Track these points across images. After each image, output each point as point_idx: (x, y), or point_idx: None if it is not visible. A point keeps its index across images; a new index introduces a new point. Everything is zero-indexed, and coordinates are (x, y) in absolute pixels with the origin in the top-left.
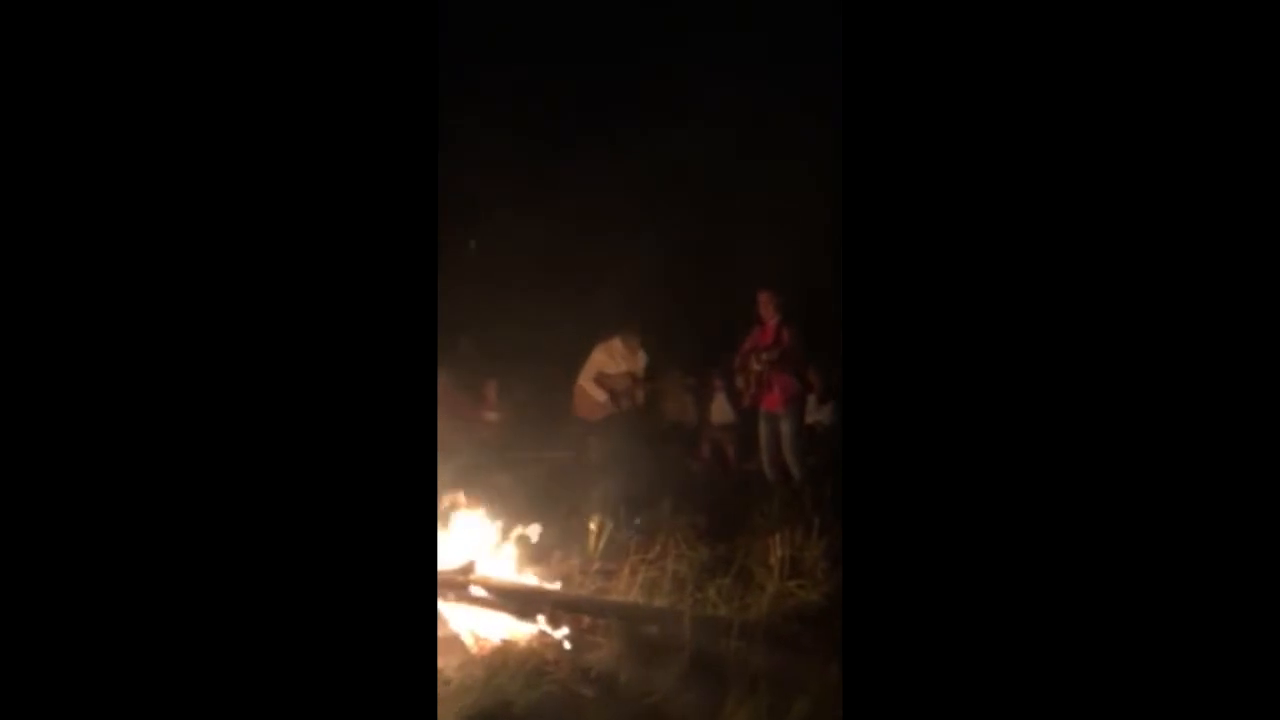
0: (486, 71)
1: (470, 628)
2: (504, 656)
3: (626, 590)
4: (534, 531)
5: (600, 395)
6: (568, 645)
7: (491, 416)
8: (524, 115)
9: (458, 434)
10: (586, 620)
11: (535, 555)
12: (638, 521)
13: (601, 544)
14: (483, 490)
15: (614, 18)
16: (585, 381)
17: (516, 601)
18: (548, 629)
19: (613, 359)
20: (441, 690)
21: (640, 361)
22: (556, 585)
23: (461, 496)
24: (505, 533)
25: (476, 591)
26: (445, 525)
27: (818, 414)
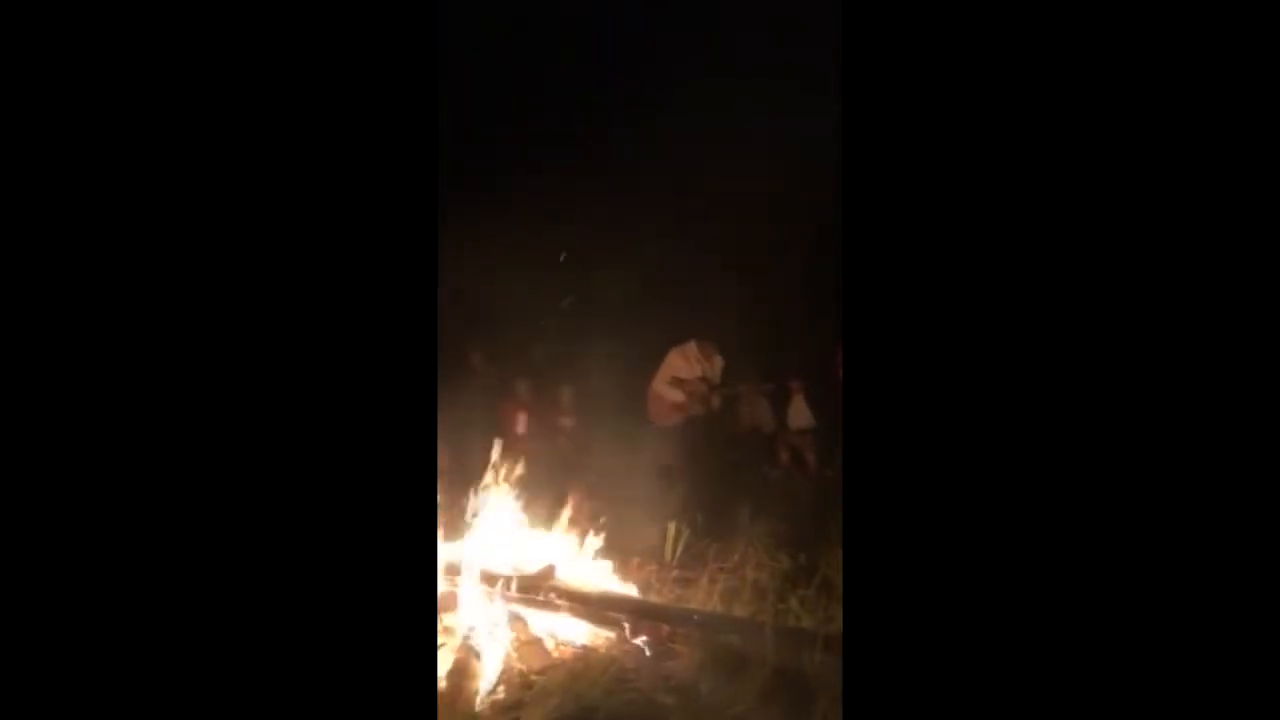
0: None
1: (551, 631)
2: (585, 662)
3: (705, 599)
4: (610, 537)
5: (675, 399)
6: (648, 653)
7: (567, 422)
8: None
9: (535, 440)
10: (666, 628)
11: (614, 561)
12: None
13: (679, 550)
14: (560, 495)
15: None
16: (659, 385)
17: (595, 607)
18: (627, 636)
19: (688, 363)
20: (525, 694)
21: (717, 366)
22: (634, 592)
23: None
24: (582, 538)
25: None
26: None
27: None
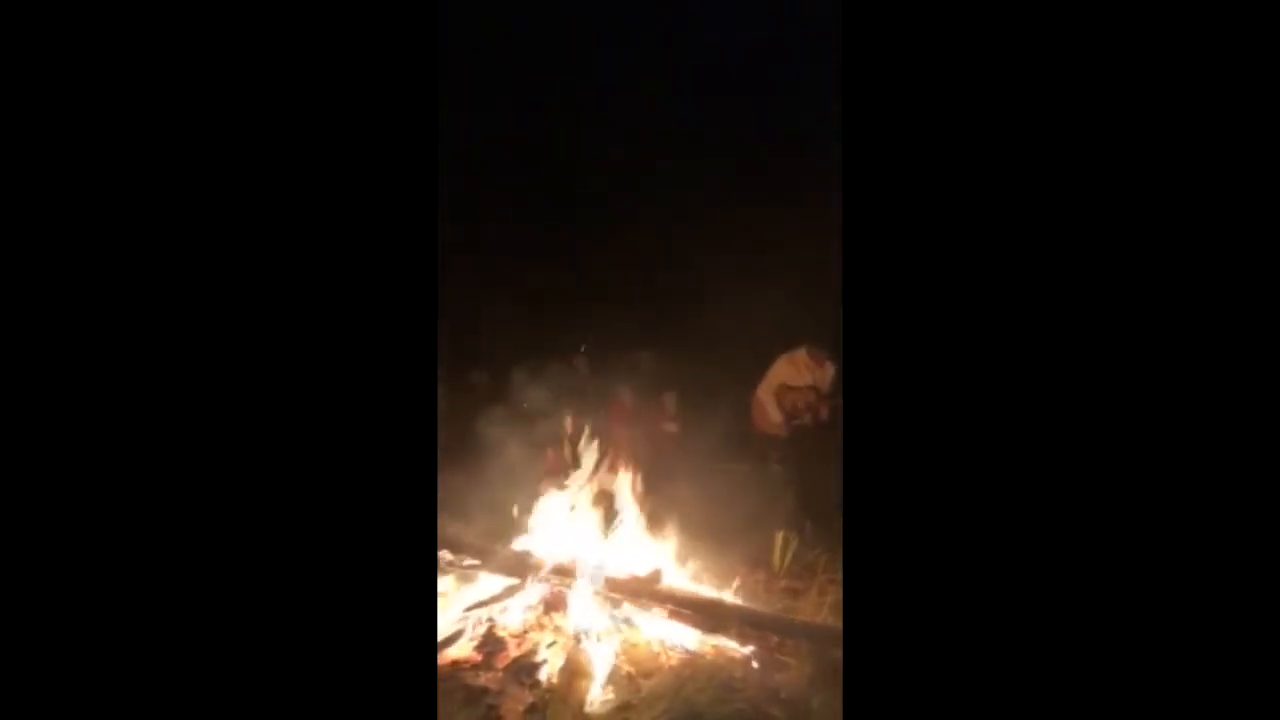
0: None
1: (658, 635)
2: (692, 669)
3: (815, 611)
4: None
5: (782, 407)
6: (756, 664)
7: (671, 427)
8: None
9: (640, 445)
10: (775, 639)
11: (721, 569)
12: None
13: (787, 560)
14: (665, 501)
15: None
16: (764, 394)
17: (703, 614)
18: (735, 645)
19: (797, 370)
20: (632, 696)
21: (827, 373)
22: (743, 601)
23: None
24: (690, 544)
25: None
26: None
27: None
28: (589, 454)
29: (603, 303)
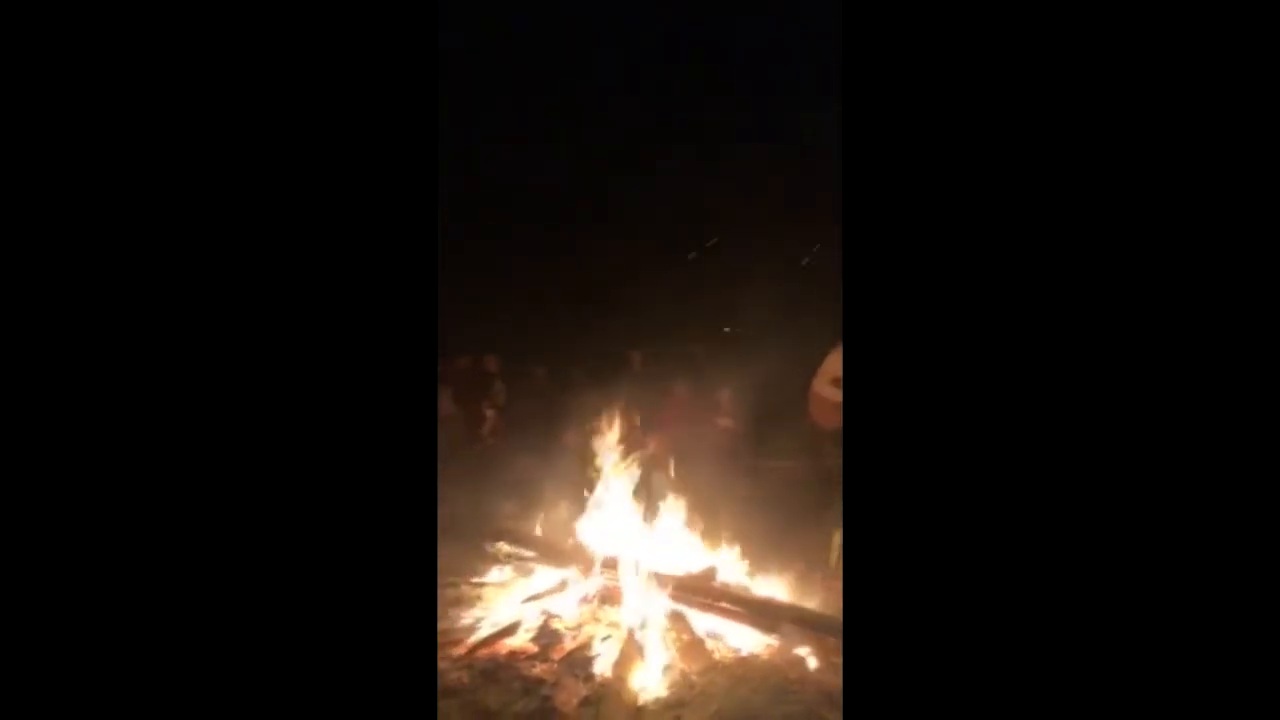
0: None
1: (712, 633)
2: (746, 668)
3: None
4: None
5: (837, 400)
6: (811, 665)
7: (726, 423)
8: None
9: (695, 441)
10: (831, 640)
11: (776, 566)
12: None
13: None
14: (719, 498)
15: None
16: (820, 386)
17: (757, 613)
18: (790, 645)
19: None
20: (685, 693)
21: None
22: (798, 600)
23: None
24: (745, 542)
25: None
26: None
27: None
28: (642, 450)
29: (647, 302)
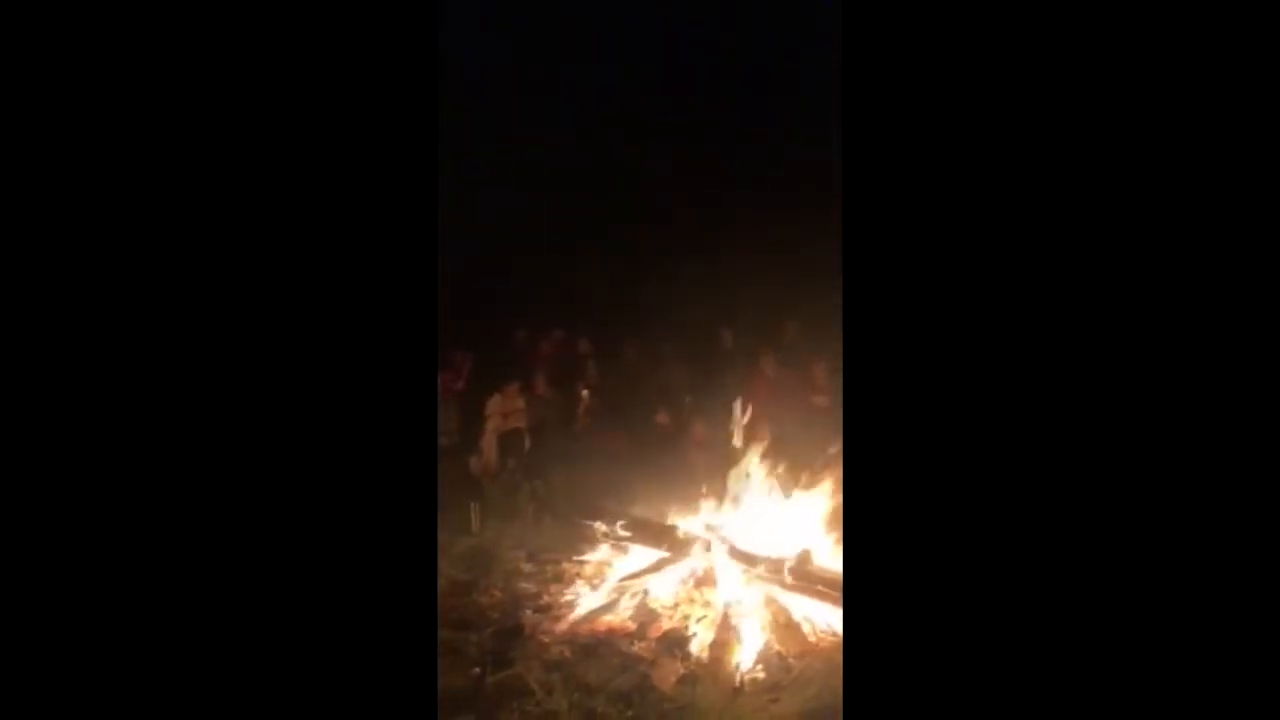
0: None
1: (808, 616)
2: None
3: None
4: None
5: None
6: None
7: (820, 400)
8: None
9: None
10: None
11: None
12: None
13: None
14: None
15: None
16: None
17: None
18: None
19: None
20: (783, 677)
21: None
22: None
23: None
24: (839, 524)
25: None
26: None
27: None
28: (738, 428)
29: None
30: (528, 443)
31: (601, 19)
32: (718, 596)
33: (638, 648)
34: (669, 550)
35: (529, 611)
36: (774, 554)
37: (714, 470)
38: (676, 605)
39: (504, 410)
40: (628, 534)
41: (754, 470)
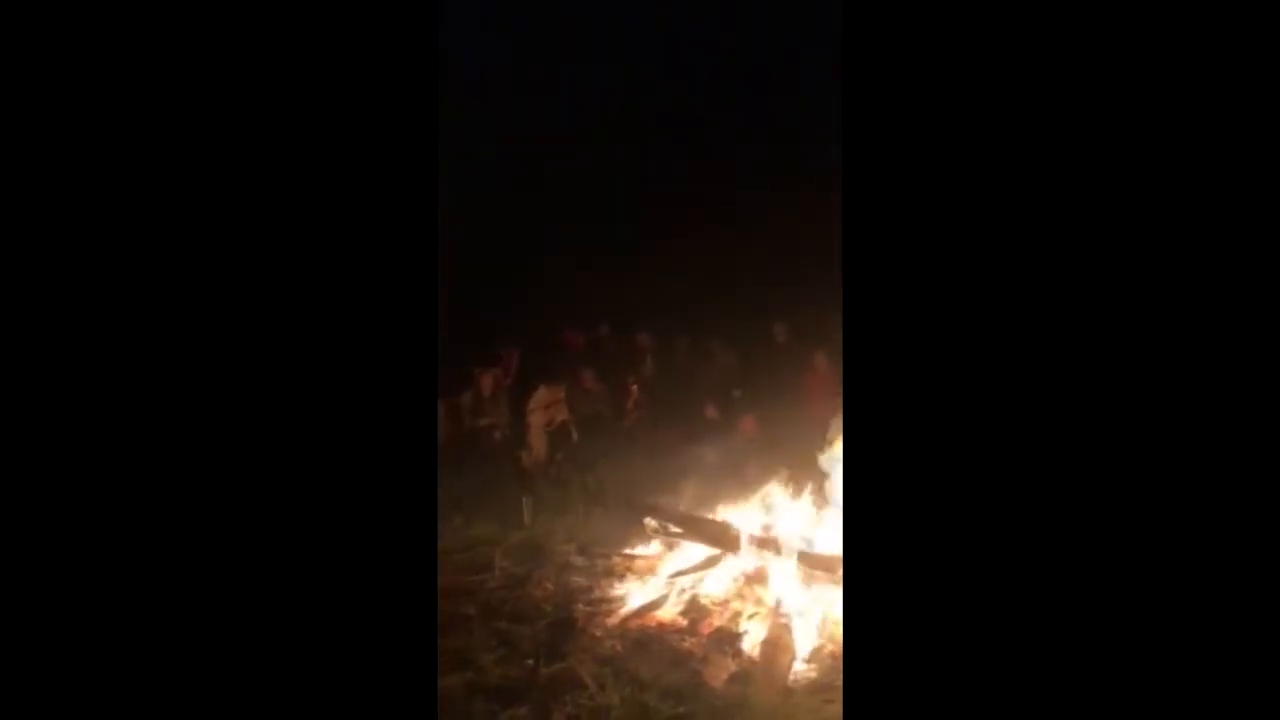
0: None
1: None
2: None
3: None
4: None
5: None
6: None
7: None
8: None
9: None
10: None
11: None
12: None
13: None
14: None
15: None
16: None
17: None
18: None
19: None
20: (836, 678)
21: None
22: None
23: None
24: None
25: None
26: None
27: None
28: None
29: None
30: (575, 436)
31: (601, 19)
32: (769, 594)
33: (688, 643)
34: (719, 546)
35: (580, 605)
36: (828, 552)
37: (764, 466)
38: (727, 601)
39: (546, 403)
40: (678, 530)
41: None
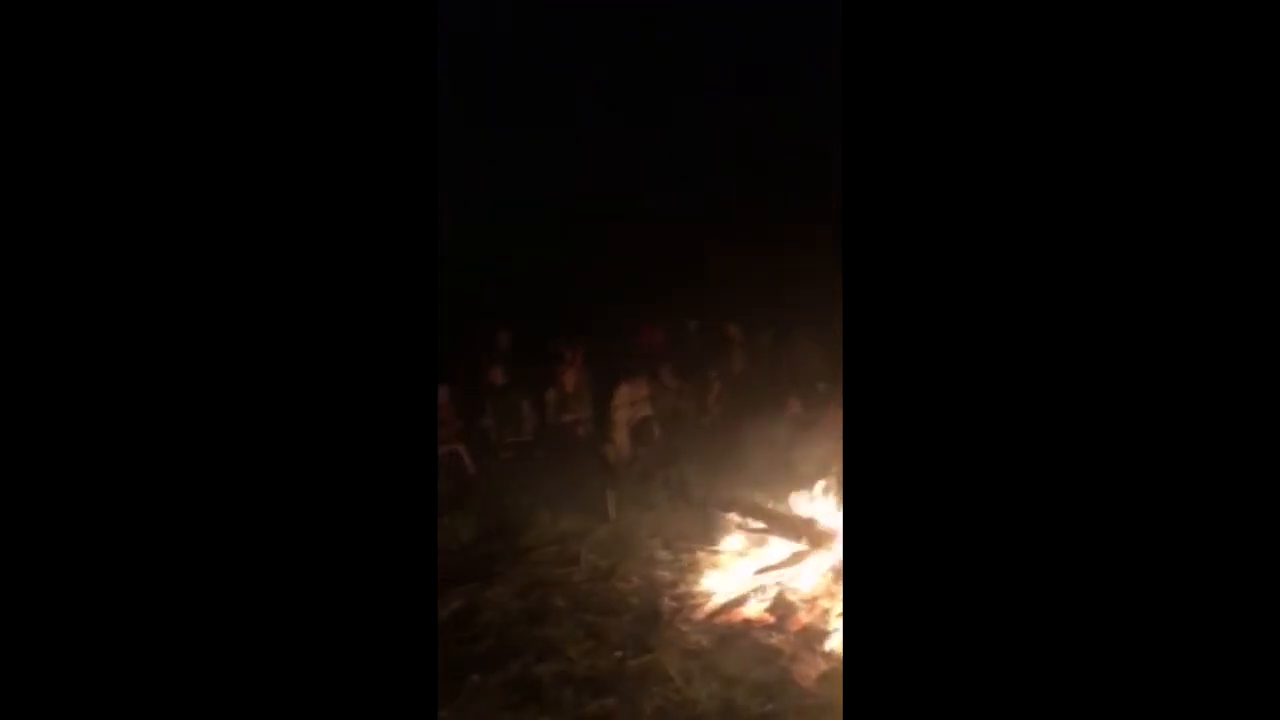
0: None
1: None
2: None
3: None
4: None
5: None
6: None
7: None
8: None
9: None
10: None
11: None
12: None
13: None
14: None
15: None
16: None
17: None
18: None
19: None
20: None
21: None
22: None
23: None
24: None
25: None
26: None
27: None
28: None
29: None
30: (657, 431)
31: (602, 18)
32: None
33: (775, 640)
34: (807, 543)
35: (666, 599)
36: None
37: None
38: (815, 598)
39: (631, 399)
40: (761, 525)
41: None
